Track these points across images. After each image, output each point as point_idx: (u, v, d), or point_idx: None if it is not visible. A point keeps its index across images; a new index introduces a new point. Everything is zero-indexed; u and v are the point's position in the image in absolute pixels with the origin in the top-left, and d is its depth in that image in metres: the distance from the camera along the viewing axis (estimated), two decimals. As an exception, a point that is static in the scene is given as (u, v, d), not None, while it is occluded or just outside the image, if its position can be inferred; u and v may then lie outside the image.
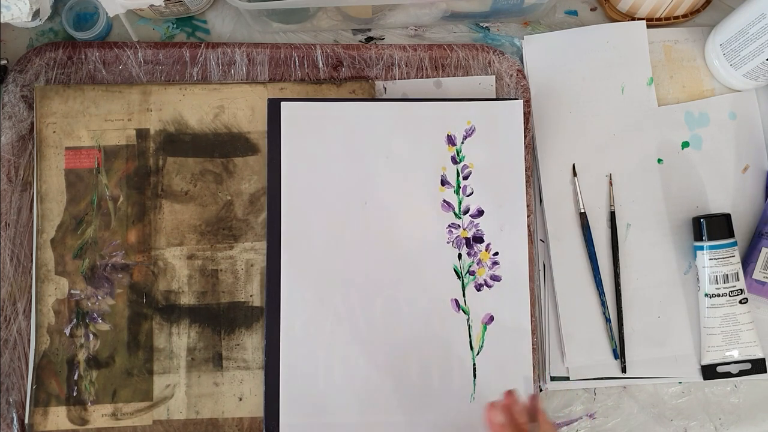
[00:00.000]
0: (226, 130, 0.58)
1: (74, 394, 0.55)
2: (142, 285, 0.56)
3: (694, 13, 0.62)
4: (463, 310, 0.55)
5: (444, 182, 0.57)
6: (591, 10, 0.64)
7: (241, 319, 0.56)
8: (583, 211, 0.59)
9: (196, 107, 0.58)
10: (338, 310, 0.55)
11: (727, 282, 0.57)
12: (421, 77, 0.60)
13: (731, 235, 0.57)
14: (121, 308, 0.56)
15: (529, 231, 0.57)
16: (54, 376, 0.55)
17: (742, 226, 0.60)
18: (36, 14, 0.58)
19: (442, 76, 0.60)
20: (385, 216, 0.56)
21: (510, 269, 0.56)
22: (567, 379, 0.58)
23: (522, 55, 0.62)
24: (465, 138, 0.57)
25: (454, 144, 0.57)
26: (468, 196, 0.57)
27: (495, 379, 0.55)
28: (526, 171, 0.57)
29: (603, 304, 0.58)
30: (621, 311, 0.58)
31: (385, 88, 0.60)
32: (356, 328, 0.55)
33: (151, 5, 0.56)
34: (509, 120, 0.57)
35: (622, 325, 0.58)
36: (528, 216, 0.57)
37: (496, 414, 0.48)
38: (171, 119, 0.58)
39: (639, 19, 0.62)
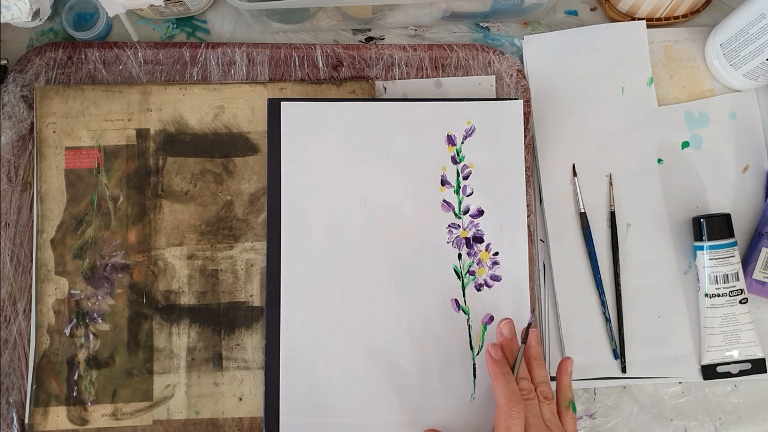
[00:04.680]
0: (226, 130, 0.58)
1: (74, 394, 0.55)
2: (142, 285, 0.56)
3: (694, 13, 0.62)
4: (463, 310, 0.55)
5: (444, 182, 0.57)
6: (591, 10, 0.64)
7: (241, 319, 0.56)
8: (583, 211, 0.59)
9: (196, 107, 0.58)
10: (338, 310, 0.55)
11: (727, 282, 0.57)
12: (421, 77, 0.60)
13: (731, 235, 0.57)
14: (121, 308, 0.56)
15: (529, 231, 0.57)
16: (54, 376, 0.55)
17: (742, 226, 0.60)
18: (36, 14, 0.58)
19: (442, 76, 0.60)
20: (385, 216, 0.56)
21: (510, 269, 0.56)
22: (567, 379, 0.58)
23: (522, 55, 0.62)
24: (465, 138, 0.57)
25: (454, 144, 0.57)
26: (468, 196, 0.57)
27: (495, 379, 0.55)
28: (526, 171, 0.57)
29: (603, 304, 0.58)
30: (621, 311, 0.58)
31: (385, 88, 0.60)
32: (356, 328, 0.55)
33: (151, 5, 0.56)
34: (509, 120, 0.57)
35: (622, 325, 0.58)
36: (528, 216, 0.57)
37: (495, 350, 0.51)
38: (171, 119, 0.58)
39: (639, 19, 0.62)
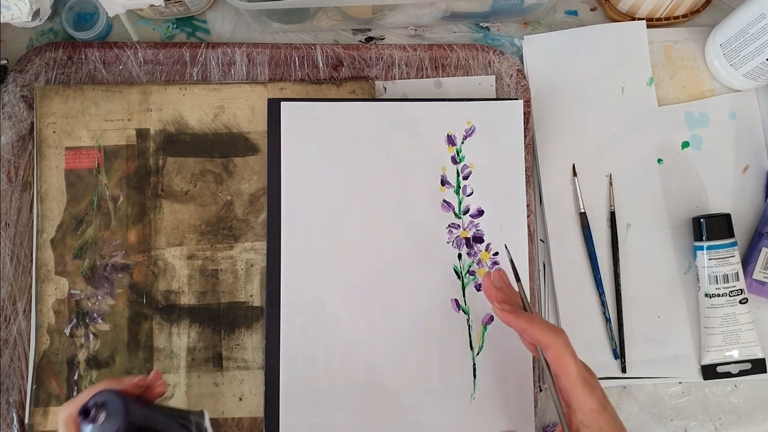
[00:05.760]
0: (226, 130, 0.58)
1: (74, 394, 0.55)
2: (142, 285, 0.56)
3: (694, 13, 0.62)
4: (463, 310, 0.55)
5: (444, 182, 0.57)
6: (591, 10, 0.64)
7: (241, 319, 0.56)
8: (583, 211, 0.59)
9: (196, 107, 0.58)
10: (338, 310, 0.55)
11: (727, 282, 0.57)
12: (421, 77, 0.60)
13: (731, 235, 0.57)
14: (121, 308, 0.56)
15: (529, 231, 0.57)
16: (54, 376, 0.55)
17: (742, 226, 0.60)
18: (36, 14, 0.58)
19: (442, 76, 0.60)
20: (385, 216, 0.56)
21: (510, 269, 0.56)
22: (567, 379, 0.58)
23: (522, 55, 0.62)
24: (465, 138, 0.57)
25: (454, 144, 0.57)
26: (468, 196, 0.57)
27: (495, 379, 0.55)
28: (526, 171, 0.57)
29: (603, 304, 0.58)
30: (621, 311, 0.58)
31: (385, 88, 0.60)
32: (356, 328, 0.55)
33: (151, 5, 0.56)
34: (509, 120, 0.57)
35: (622, 325, 0.58)
36: (528, 216, 0.57)
37: (502, 305, 0.47)
38: (171, 119, 0.58)
39: (639, 19, 0.62)
